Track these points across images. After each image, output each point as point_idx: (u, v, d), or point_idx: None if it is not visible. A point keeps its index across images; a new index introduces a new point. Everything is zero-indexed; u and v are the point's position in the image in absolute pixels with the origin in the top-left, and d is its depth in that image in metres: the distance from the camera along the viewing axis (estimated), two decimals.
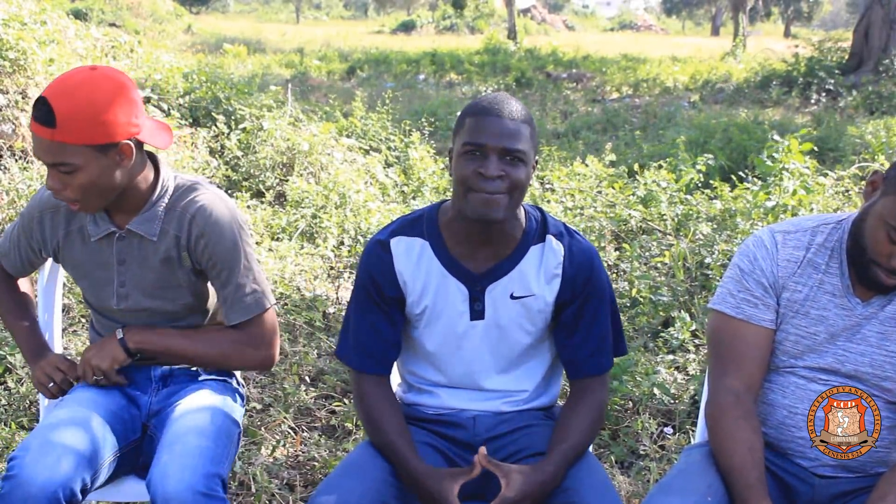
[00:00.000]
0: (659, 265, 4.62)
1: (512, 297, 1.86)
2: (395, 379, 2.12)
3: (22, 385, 3.26)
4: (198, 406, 1.98)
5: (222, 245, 1.97)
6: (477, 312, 1.87)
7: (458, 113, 1.85)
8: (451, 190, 1.83)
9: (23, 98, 5.15)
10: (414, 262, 1.88)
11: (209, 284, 2.09)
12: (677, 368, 3.57)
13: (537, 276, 1.86)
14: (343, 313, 4.04)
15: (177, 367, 2.13)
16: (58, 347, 2.28)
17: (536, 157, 1.85)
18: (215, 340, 2.04)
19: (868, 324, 1.79)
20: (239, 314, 2.01)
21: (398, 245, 1.89)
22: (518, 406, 1.94)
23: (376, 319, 1.89)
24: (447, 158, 1.87)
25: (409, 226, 1.91)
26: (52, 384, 2.06)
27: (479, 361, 1.90)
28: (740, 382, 1.82)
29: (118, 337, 2.02)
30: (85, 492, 1.81)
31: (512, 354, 1.91)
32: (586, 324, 1.88)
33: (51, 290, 2.29)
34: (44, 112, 1.76)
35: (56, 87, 1.79)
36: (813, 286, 1.82)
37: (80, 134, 1.78)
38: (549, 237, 1.87)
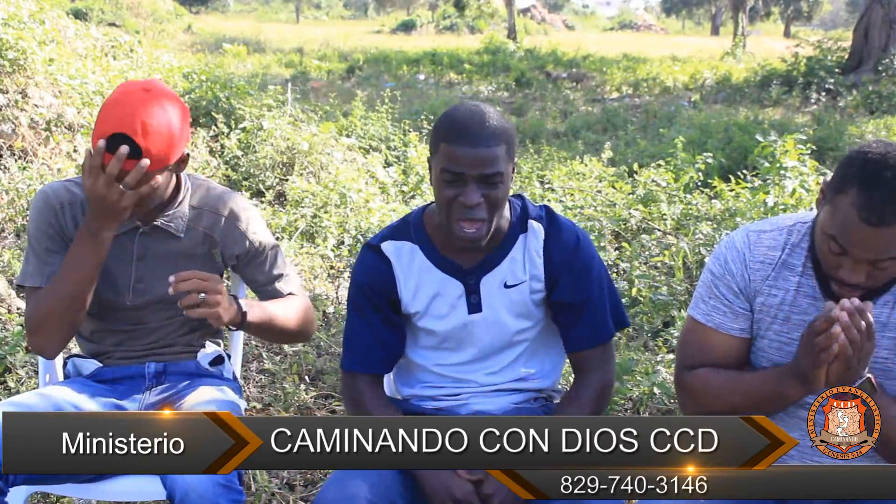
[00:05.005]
0: (659, 265, 4.61)
1: (505, 286, 1.89)
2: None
3: (22, 385, 3.26)
4: (207, 400, 1.98)
5: (262, 230, 2.12)
6: (474, 306, 1.89)
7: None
8: (434, 200, 1.84)
9: (23, 98, 5.15)
10: (406, 264, 1.91)
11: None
12: None
13: (524, 262, 1.89)
14: (343, 313, 4.05)
15: (171, 363, 2.11)
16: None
17: (515, 161, 1.86)
18: (296, 309, 2.12)
19: None
20: (291, 286, 2.14)
21: (389, 249, 1.92)
22: (523, 397, 1.95)
23: (373, 319, 1.92)
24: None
25: (396, 231, 1.94)
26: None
27: (480, 354, 1.92)
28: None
29: (242, 309, 1.95)
30: None
31: (513, 344, 1.92)
32: (579, 299, 1.89)
33: None
34: (134, 149, 1.80)
35: (127, 121, 1.80)
36: (790, 290, 1.72)
37: (167, 160, 1.88)
38: (531, 222, 1.91)
